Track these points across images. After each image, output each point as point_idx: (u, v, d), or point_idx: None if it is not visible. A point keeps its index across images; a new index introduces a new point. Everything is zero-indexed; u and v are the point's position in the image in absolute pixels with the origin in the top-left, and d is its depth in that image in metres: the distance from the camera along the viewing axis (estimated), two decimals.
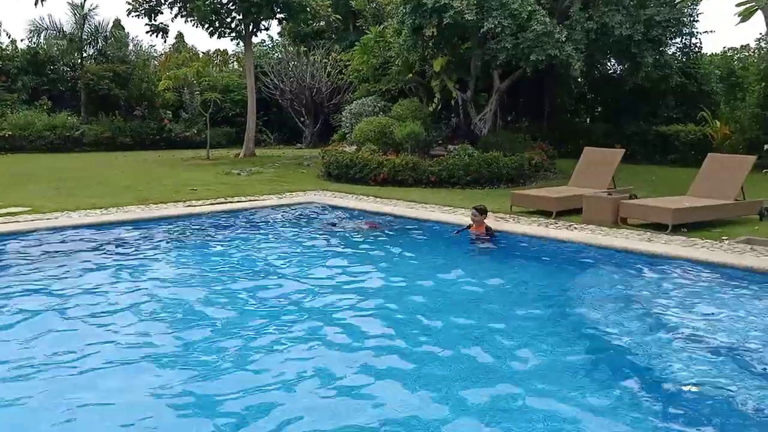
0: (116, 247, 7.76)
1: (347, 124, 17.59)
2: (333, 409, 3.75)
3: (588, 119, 23.04)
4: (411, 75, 16.77)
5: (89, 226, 8.66)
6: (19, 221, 8.83)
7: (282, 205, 10.97)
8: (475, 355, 4.55)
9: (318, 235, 8.72)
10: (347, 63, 21.62)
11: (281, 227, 9.46)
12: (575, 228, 8.97)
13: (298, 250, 7.93)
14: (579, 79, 18.44)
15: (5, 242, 7.68)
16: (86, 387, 3.99)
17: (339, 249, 7.99)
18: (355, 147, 15.29)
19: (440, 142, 16.05)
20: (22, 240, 7.85)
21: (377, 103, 17.37)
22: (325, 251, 7.87)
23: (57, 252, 7.41)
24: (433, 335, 4.97)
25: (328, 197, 11.86)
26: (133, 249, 7.72)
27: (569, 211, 9.99)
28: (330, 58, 25.68)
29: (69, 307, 5.48)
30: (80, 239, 8.04)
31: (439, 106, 16.82)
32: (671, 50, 17.78)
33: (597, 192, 10.08)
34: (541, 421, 3.61)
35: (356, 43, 18.87)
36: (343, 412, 3.69)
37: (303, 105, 26.86)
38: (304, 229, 9.31)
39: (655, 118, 19.37)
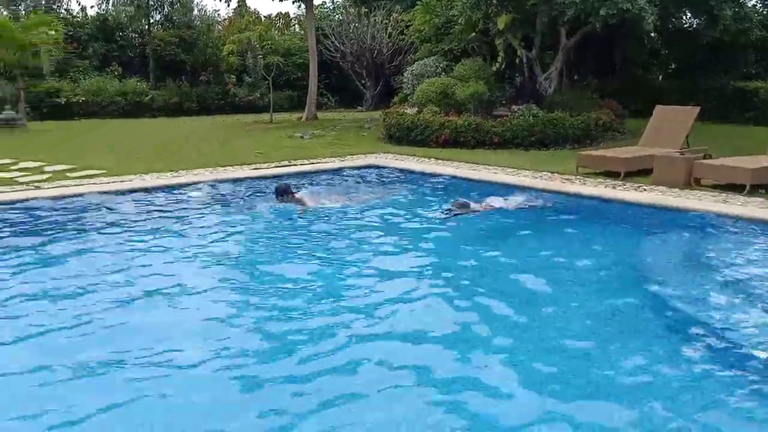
0: (187, 208, 8.04)
1: (408, 86, 17.43)
2: None
3: (660, 76, 22.02)
4: (474, 34, 16.39)
5: (163, 188, 8.99)
6: (95, 183, 9.25)
7: (344, 168, 11.05)
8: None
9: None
10: (408, 23, 21.30)
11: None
12: (644, 189, 8.69)
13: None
14: (652, 34, 17.58)
15: (90, 202, 8.08)
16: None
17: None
18: (417, 109, 15.16)
19: (504, 102, 15.71)
20: (105, 199, 8.23)
21: (439, 64, 17.10)
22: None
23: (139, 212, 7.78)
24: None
25: (390, 159, 11.86)
26: (210, 209, 8.01)
27: (638, 173, 9.66)
28: (391, 18, 25.37)
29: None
30: (155, 200, 8.37)
31: (503, 66, 16.38)
32: (752, 2, 16.69)
33: (669, 152, 9.69)
34: (608, 386, 3.58)
35: (418, 3, 18.55)
36: None
37: (364, 67, 26.75)
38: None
39: (732, 74, 18.32)
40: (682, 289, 5.06)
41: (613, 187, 8.94)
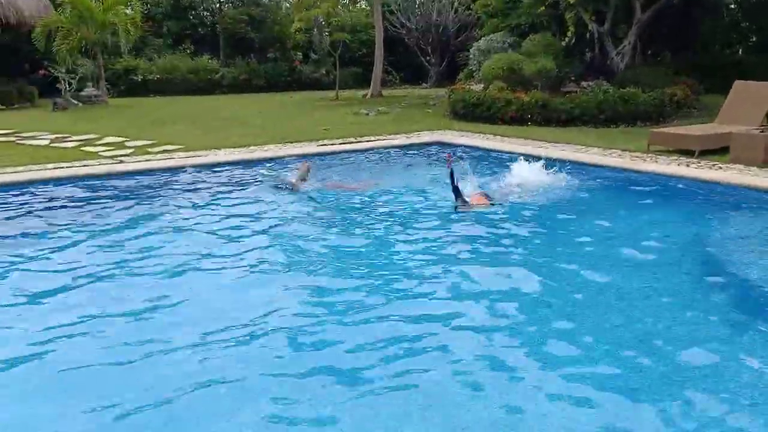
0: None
1: (474, 62, 17.28)
2: None
3: (740, 50, 20.97)
4: (543, 8, 16.01)
5: (237, 163, 9.37)
6: (173, 158, 9.71)
7: (410, 144, 11.17)
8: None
9: None
10: None
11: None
12: (720, 168, 8.43)
13: None
14: (731, 6, 16.73)
15: (172, 176, 8.53)
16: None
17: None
18: (483, 85, 15.04)
19: (573, 78, 15.38)
20: (182, 174, 8.66)
21: (506, 39, 16.84)
22: None
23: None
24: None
25: (455, 136, 11.88)
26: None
27: (713, 151, 9.36)
28: None
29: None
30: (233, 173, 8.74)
31: (573, 41, 15.98)
32: None
33: (748, 129, 9.33)
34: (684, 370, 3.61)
35: None
36: None
37: (429, 43, 26.59)
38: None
39: None
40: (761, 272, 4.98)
41: (687, 165, 8.71)
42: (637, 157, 9.43)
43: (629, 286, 4.69)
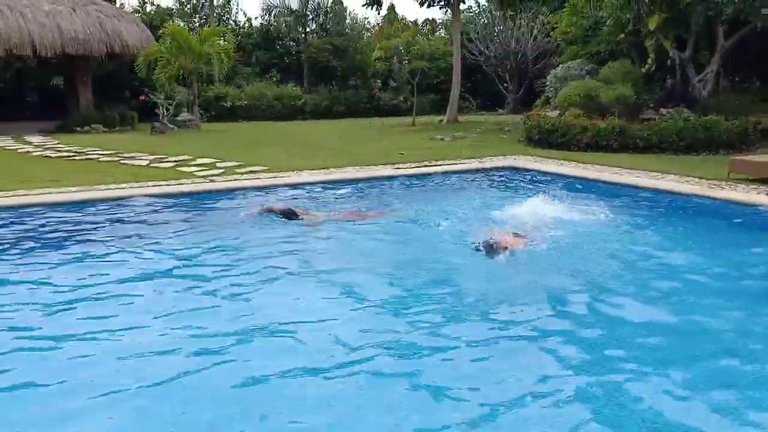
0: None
1: (551, 89, 17.39)
2: None
3: None
4: (622, 35, 16.01)
5: (319, 183, 9.94)
6: (260, 178, 10.39)
7: (483, 169, 11.43)
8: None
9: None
10: (555, 26, 21.15)
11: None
12: None
13: None
14: None
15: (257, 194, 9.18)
16: None
17: None
18: (558, 112, 15.14)
19: (651, 105, 15.22)
20: (267, 193, 9.29)
21: (584, 67, 16.89)
22: None
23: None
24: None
25: (529, 161, 12.04)
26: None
27: None
28: (537, 21, 25.25)
29: None
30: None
31: (653, 68, 15.86)
32: None
33: None
34: None
35: (564, 5, 18.41)
36: None
37: (507, 70, 26.84)
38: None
39: None
40: None
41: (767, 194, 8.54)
42: (714, 185, 9.31)
43: None
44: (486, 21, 28.58)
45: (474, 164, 11.94)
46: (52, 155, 13.35)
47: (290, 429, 3.24)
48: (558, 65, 18.58)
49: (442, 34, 31.26)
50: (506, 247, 5.69)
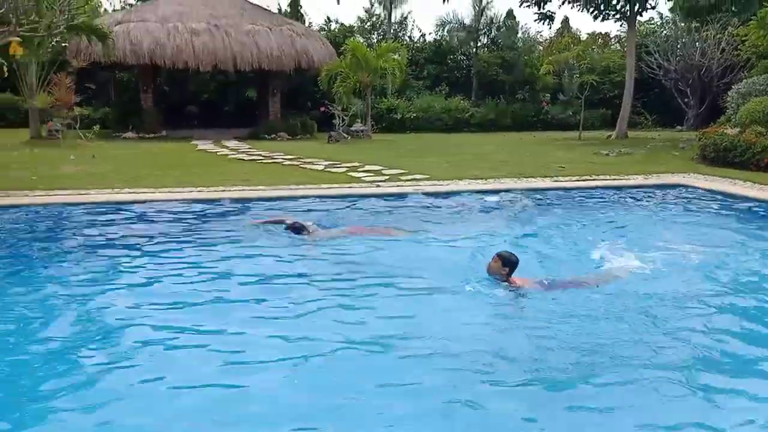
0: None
1: (732, 105, 16.31)
2: None
3: None
4: None
5: (471, 191, 10.46)
6: (420, 185, 11.14)
7: (644, 186, 11.20)
8: None
9: None
10: (743, 38, 19.71)
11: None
12: None
13: None
14: None
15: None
16: None
17: None
18: (739, 129, 14.22)
19: None
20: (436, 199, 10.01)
21: None
22: None
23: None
24: None
25: (697, 180, 11.56)
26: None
27: None
28: (725, 33, 23.61)
29: None
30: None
31: None
32: None
33: None
34: None
35: (751, 18, 17.15)
36: None
37: (688, 85, 25.35)
38: None
39: None
40: None
41: None
42: None
43: None
44: (668, 33, 27.19)
45: (637, 180, 11.73)
46: (245, 158, 15.23)
47: None
48: (746, 79, 17.36)
49: (618, 48, 30.24)
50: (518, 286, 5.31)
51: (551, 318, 4.80)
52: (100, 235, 7.30)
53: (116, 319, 4.71)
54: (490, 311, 5.08)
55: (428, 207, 9.42)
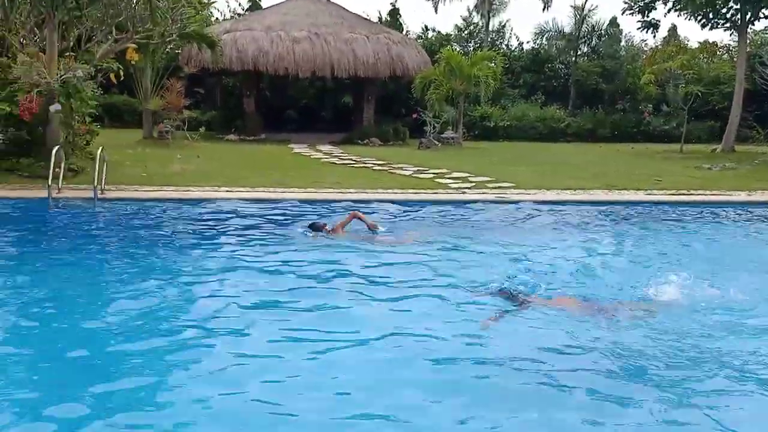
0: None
1: None
2: None
3: None
4: None
5: (560, 203, 10.34)
6: (506, 193, 11.12)
7: (745, 202, 10.64)
8: None
9: None
10: None
11: None
12: None
13: None
14: None
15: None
16: None
17: None
18: None
19: None
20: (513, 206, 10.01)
21: None
22: None
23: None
24: None
25: None
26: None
27: None
28: None
29: None
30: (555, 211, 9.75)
31: None
32: None
33: None
34: None
35: None
36: None
37: None
38: None
39: None
40: None
41: None
42: None
43: None
44: None
45: (739, 197, 11.14)
46: (337, 162, 15.73)
47: None
48: None
49: (727, 57, 28.60)
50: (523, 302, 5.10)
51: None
52: (210, 228, 8.03)
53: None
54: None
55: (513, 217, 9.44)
